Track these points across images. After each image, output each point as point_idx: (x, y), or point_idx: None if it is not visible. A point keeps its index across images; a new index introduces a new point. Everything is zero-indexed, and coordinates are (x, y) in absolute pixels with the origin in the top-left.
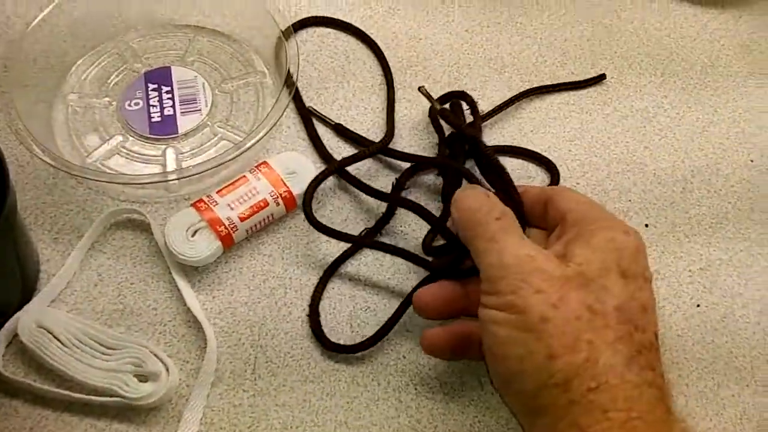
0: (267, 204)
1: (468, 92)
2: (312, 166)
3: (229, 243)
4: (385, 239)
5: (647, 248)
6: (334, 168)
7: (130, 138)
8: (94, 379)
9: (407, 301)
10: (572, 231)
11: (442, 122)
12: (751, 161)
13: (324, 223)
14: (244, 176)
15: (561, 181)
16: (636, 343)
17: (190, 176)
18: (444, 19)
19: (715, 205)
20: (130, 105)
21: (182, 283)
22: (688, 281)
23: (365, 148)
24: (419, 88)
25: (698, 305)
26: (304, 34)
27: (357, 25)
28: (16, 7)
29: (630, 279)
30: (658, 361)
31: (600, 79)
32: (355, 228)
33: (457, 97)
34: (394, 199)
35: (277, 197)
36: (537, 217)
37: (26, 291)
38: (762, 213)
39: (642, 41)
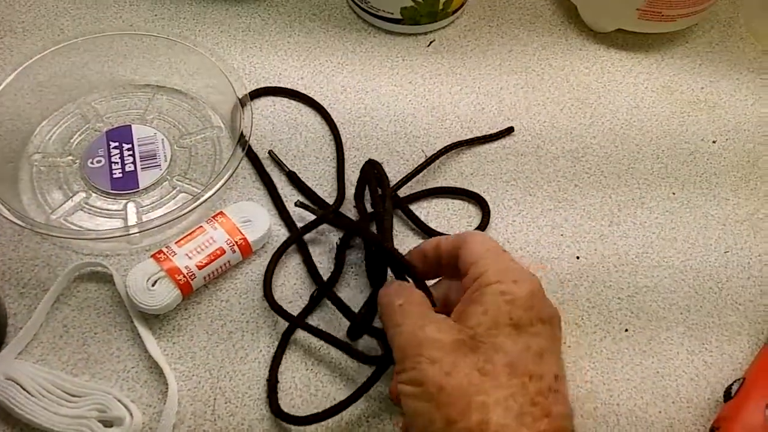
0: (224, 252)
1: (411, 140)
2: (266, 213)
3: (187, 290)
4: (340, 291)
5: (578, 278)
6: (292, 240)
7: (93, 194)
8: (61, 426)
9: (362, 389)
10: (472, 287)
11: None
12: (673, 194)
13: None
14: (201, 226)
15: (496, 219)
16: (531, 394)
17: (150, 229)
18: (389, 72)
19: (641, 236)
20: (92, 163)
21: (143, 331)
22: (617, 308)
23: (318, 211)
24: (269, 152)
25: (626, 330)
26: (258, 101)
27: (307, 80)
28: None
29: (523, 329)
30: (560, 402)
31: (508, 132)
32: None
33: (369, 168)
34: (324, 289)
35: (233, 245)
36: (453, 268)
37: None
38: (684, 242)
39: (572, 86)
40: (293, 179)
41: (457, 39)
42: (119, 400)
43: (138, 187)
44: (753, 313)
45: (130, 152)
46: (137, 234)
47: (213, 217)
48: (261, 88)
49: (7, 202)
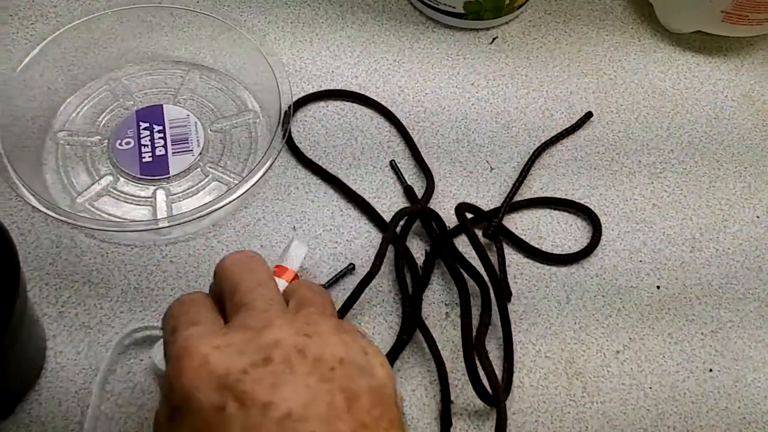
0: None
1: (475, 149)
2: (295, 242)
3: None
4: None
5: (661, 310)
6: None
7: (120, 178)
8: None
9: None
10: None
11: None
12: (758, 217)
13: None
14: None
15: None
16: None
17: (181, 223)
18: (449, 71)
19: (724, 264)
20: (121, 144)
21: None
22: (700, 345)
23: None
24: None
25: (710, 369)
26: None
27: (361, 78)
28: (5, 44)
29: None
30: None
31: (587, 117)
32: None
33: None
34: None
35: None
36: None
37: (33, 371)
38: None
39: (647, 92)
40: (409, 193)
41: (521, 36)
42: None
43: (168, 173)
44: None
45: (161, 134)
46: (167, 226)
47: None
48: (306, 96)
49: (30, 184)
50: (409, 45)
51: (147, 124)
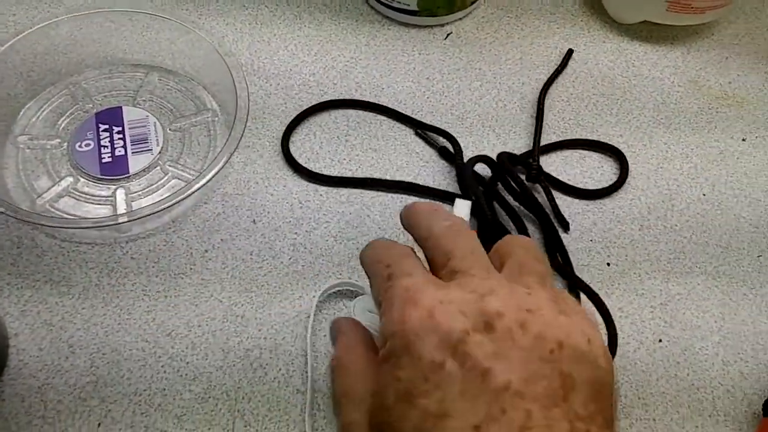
0: None
1: (434, 139)
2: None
3: None
4: None
5: (609, 287)
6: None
7: (81, 179)
8: None
9: None
10: None
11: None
12: (704, 195)
13: None
14: None
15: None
16: None
17: (139, 218)
18: (405, 67)
19: (672, 240)
20: (80, 146)
21: None
22: (649, 317)
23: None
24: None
25: (660, 340)
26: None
27: (318, 76)
28: None
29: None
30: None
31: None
32: None
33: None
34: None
35: None
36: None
37: None
38: (716, 246)
39: (597, 81)
40: (444, 154)
41: (474, 31)
42: None
43: (128, 173)
44: None
45: (121, 135)
46: (127, 222)
47: None
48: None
49: None
50: (365, 43)
51: (106, 126)
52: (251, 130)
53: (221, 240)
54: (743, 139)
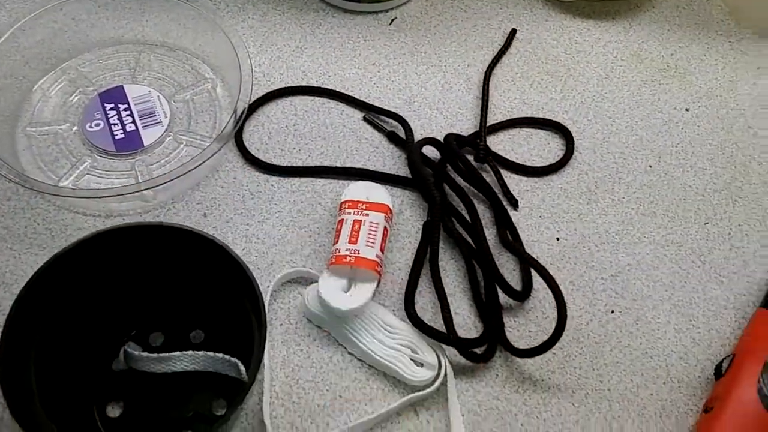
0: (387, 229)
1: (383, 122)
2: (371, 183)
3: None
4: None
5: (560, 261)
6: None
7: (98, 157)
8: (378, 350)
9: None
10: None
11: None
12: (650, 167)
13: None
14: (342, 219)
15: None
16: None
17: (164, 183)
18: (351, 54)
19: (620, 212)
20: (91, 126)
21: None
22: (601, 289)
23: (384, 128)
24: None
25: (612, 311)
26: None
27: (265, 66)
28: None
29: None
30: None
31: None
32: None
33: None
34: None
35: (389, 219)
36: None
37: None
38: (663, 215)
39: (540, 60)
40: (393, 138)
41: (419, 15)
42: (433, 349)
43: (143, 146)
44: (737, 285)
45: (128, 112)
46: (152, 190)
47: (348, 207)
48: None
49: (11, 174)
50: (310, 31)
51: (112, 105)
52: (199, 124)
53: None
54: (687, 109)
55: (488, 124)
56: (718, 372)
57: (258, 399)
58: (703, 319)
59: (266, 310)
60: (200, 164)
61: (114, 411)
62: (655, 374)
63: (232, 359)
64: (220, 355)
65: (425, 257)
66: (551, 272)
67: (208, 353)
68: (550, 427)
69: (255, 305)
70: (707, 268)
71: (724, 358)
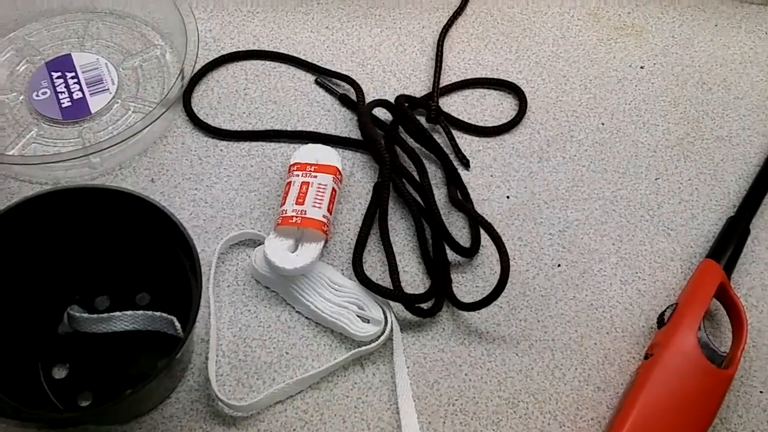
0: (336, 191)
1: (338, 86)
2: (322, 146)
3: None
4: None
5: (509, 218)
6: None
7: (45, 126)
8: (324, 308)
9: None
10: None
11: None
12: (602, 124)
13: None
14: (290, 182)
15: None
16: None
17: (108, 147)
18: (303, 17)
19: (570, 170)
20: (37, 95)
21: None
22: (548, 244)
23: (336, 91)
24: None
25: (559, 265)
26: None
27: (216, 32)
28: None
29: None
30: None
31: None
32: None
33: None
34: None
35: (338, 181)
36: None
37: None
38: (614, 172)
39: (496, 20)
40: (345, 101)
41: None
42: (380, 306)
43: (90, 113)
44: (684, 238)
45: (75, 80)
46: (98, 156)
47: (296, 169)
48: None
49: None
50: None
51: (59, 73)
52: (147, 90)
53: None
54: (641, 67)
55: (441, 86)
56: (661, 321)
57: (205, 358)
58: (650, 270)
59: (201, 267)
60: (145, 128)
61: (60, 372)
62: (599, 325)
63: (169, 317)
64: (158, 313)
65: (375, 217)
66: (500, 229)
67: (147, 312)
68: (494, 376)
69: (192, 264)
70: (656, 222)
71: (668, 308)
